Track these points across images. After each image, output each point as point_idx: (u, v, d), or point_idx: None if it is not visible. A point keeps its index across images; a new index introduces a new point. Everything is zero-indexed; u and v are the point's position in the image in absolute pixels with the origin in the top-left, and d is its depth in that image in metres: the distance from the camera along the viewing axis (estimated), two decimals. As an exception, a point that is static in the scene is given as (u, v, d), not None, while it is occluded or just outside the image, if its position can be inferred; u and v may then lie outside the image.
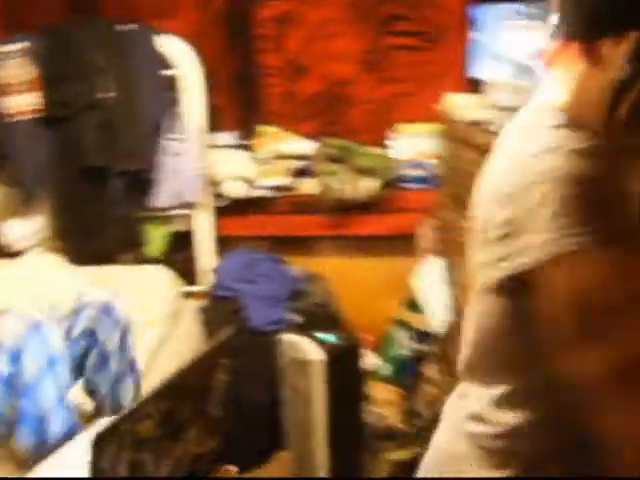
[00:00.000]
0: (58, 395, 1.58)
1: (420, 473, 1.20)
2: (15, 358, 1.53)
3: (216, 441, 1.44)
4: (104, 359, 1.78)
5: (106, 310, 1.76)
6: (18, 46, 2.93)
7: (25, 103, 2.94)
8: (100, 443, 1.15)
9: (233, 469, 1.60)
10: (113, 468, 1.18)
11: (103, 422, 1.49)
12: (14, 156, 2.97)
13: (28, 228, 3.02)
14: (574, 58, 0.93)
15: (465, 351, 1.10)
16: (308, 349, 2.51)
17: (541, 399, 0.99)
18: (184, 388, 1.35)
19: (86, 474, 1.13)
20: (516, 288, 0.93)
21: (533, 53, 1.89)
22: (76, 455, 1.42)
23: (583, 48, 0.91)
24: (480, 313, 1.05)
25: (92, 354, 1.74)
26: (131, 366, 1.86)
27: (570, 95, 0.95)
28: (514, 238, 0.91)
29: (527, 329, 0.95)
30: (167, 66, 2.97)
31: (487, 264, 0.98)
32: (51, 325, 1.62)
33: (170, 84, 2.98)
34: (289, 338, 2.59)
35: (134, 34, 2.94)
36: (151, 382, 2.37)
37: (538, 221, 0.87)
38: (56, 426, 1.55)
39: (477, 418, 1.04)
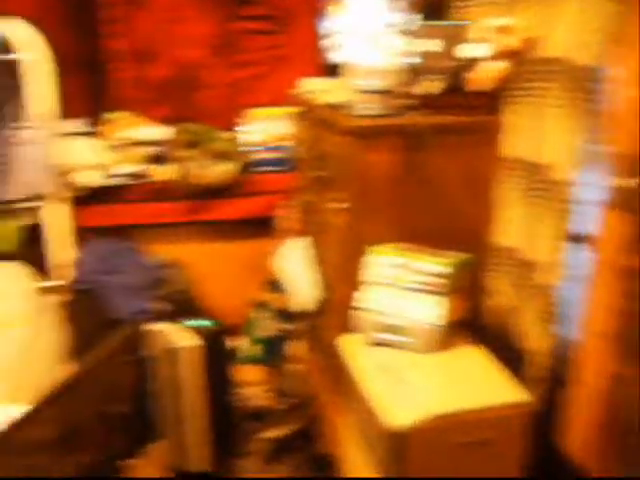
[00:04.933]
0: None
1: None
2: None
3: (124, 438, 1.43)
4: None
5: None
6: None
7: None
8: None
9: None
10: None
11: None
12: None
13: None
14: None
15: None
16: (176, 336, 2.51)
17: None
18: (83, 389, 1.32)
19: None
20: None
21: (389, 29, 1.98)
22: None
23: None
24: None
25: None
26: None
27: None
28: None
29: None
30: (8, 50, 2.82)
31: None
32: None
33: (12, 69, 2.83)
34: (155, 327, 2.57)
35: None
36: (22, 382, 2.30)
37: None
38: None
39: None
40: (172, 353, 2.50)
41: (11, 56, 2.81)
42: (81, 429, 1.37)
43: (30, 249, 2.97)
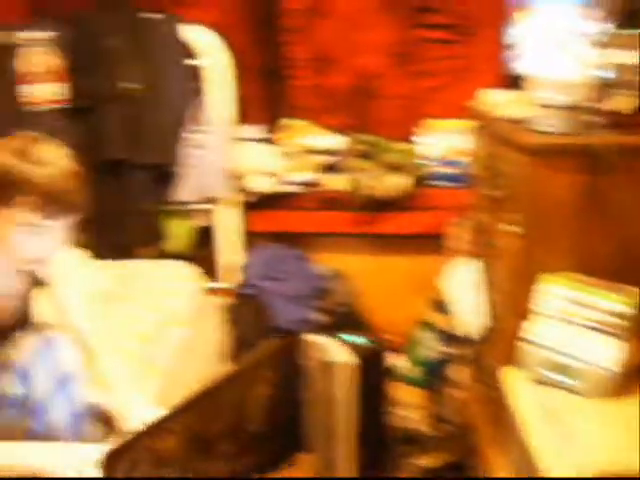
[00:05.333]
0: (70, 418, 1.51)
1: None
2: (24, 377, 1.47)
3: (253, 457, 1.38)
4: None
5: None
6: (44, 34, 2.87)
7: (49, 92, 2.88)
8: (112, 459, 1.09)
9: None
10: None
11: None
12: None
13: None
14: None
15: None
16: (334, 351, 2.45)
17: None
18: (217, 403, 1.28)
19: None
20: None
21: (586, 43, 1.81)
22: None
23: None
24: None
25: None
26: None
27: None
28: None
29: None
30: (192, 56, 2.90)
31: None
32: (64, 341, 1.54)
33: (195, 74, 2.91)
34: (314, 338, 2.52)
35: (158, 23, 2.86)
36: (176, 383, 2.34)
37: None
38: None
39: None
40: (327, 367, 2.44)
41: (194, 61, 2.89)
42: (224, 436, 1.33)
43: (200, 250, 3.04)
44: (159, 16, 2.87)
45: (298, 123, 3.11)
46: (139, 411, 1.60)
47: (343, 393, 2.42)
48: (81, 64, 2.84)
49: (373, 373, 2.53)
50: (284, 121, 3.11)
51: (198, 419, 1.23)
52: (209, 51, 2.90)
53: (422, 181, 3.00)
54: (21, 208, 1.41)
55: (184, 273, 2.85)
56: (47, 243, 1.48)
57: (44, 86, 2.87)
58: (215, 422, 1.28)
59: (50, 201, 1.42)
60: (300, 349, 2.53)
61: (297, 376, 2.52)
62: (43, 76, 2.86)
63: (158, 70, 2.87)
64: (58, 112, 2.88)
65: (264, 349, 1.42)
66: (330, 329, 2.67)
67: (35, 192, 1.40)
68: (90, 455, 1.36)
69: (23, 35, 2.85)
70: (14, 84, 2.86)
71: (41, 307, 1.74)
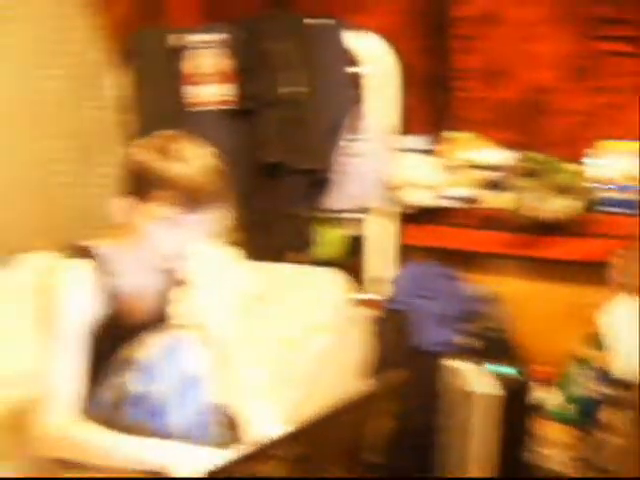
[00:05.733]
0: (189, 422, 1.50)
1: None
2: (147, 377, 1.48)
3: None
4: None
5: None
6: (215, 36, 2.95)
7: (214, 93, 2.95)
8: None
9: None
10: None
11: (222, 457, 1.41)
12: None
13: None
14: None
15: None
16: (476, 380, 2.32)
17: None
18: (331, 431, 1.21)
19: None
20: None
21: None
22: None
23: None
24: None
25: None
26: None
27: None
28: None
29: None
30: (355, 62, 2.87)
31: None
32: (192, 345, 1.54)
33: (356, 82, 2.87)
34: (456, 363, 2.41)
35: (323, 28, 2.86)
36: (314, 393, 2.31)
37: None
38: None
39: None
40: (468, 397, 2.32)
41: (356, 68, 2.85)
42: (334, 464, 1.26)
43: (350, 259, 3.00)
44: (325, 22, 2.86)
45: (462, 136, 2.99)
46: (264, 424, 1.58)
47: (482, 425, 2.29)
48: (247, 67, 2.90)
49: (517, 407, 2.38)
50: (448, 133, 3.00)
51: (309, 446, 1.17)
52: (374, 58, 2.86)
53: (591, 206, 2.78)
54: (159, 203, 1.42)
55: (332, 281, 2.82)
56: (185, 239, 1.49)
57: (211, 87, 2.95)
58: (327, 450, 1.21)
59: (188, 197, 1.42)
60: (439, 374, 2.43)
61: (433, 401, 2.43)
62: (210, 77, 2.94)
63: (320, 76, 2.87)
64: (221, 113, 2.95)
65: (390, 380, 1.34)
66: (476, 355, 2.54)
67: (173, 188, 1.41)
68: (205, 460, 1.35)
69: (193, 37, 2.95)
70: (179, 85, 2.96)
71: (178, 305, 1.76)
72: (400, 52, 2.87)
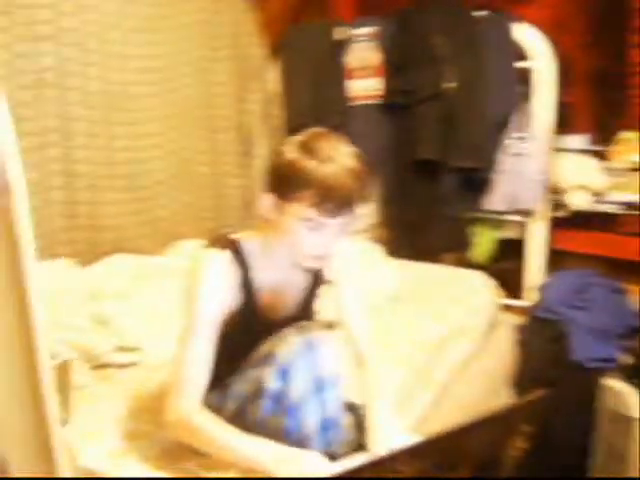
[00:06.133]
0: (320, 423, 1.46)
1: None
2: (284, 374, 1.45)
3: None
4: None
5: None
6: (367, 30, 2.89)
7: (368, 87, 2.90)
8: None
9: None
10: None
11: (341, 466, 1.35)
12: (353, 138, 2.93)
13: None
14: None
15: None
16: (633, 403, 2.13)
17: None
18: (460, 449, 1.12)
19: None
20: None
21: None
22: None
23: None
24: None
25: None
26: None
27: None
28: None
29: None
30: (522, 57, 2.71)
31: None
32: (329, 345, 1.49)
33: (523, 78, 2.71)
34: (613, 384, 2.22)
35: (487, 21, 2.72)
36: (451, 399, 2.21)
37: None
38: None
39: None
40: (624, 420, 2.13)
41: (523, 64, 2.70)
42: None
43: (497, 263, 2.86)
44: (490, 14, 2.72)
45: (633, 136, 2.76)
46: (392, 433, 1.51)
47: (636, 453, 2.10)
48: (401, 61, 2.81)
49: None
50: (619, 134, 2.77)
51: (434, 461, 1.09)
52: (537, 53, 2.69)
53: None
54: (303, 203, 1.40)
55: (479, 285, 2.70)
56: (328, 241, 1.46)
57: (368, 81, 2.91)
58: (453, 467, 1.13)
59: (330, 198, 1.39)
60: (597, 393, 2.25)
61: (586, 421, 2.26)
62: (363, 71, 2.89)
63: (483, 71, 2.73)
64: (377, 108, 2.89)
65: (531, 399, 1.23)
66: (636, 375, 2.33)
67: (315, 188, 1.38)
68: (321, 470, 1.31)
69: (356, 31, 2.91)
70: (342, 79, 2.93)
71: (318, 303, 1.73)
72: (560, 46, 2.68)
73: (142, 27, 2.67)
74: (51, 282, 2.29)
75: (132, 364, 2.13)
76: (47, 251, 2.46)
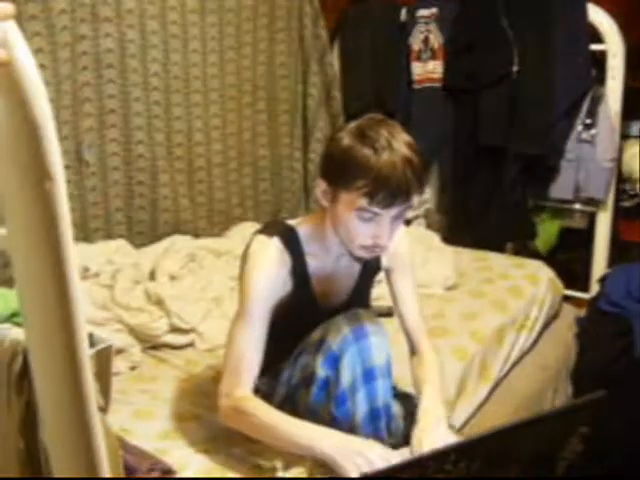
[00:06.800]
0: (369, 413, 1.43)
1: None
2: (334, 362, 1.42)
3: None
4: None
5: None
6: (428, 11, 2.83)
7: (429, 70, 2.84)
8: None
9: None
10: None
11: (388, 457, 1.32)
12: (414, 122, 2.88)
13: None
14: None
15: None
16: None
17: None
18: (512, 449, 1.07)
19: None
20: None
21: None
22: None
23: None
24: None
25: None
26: None
27: None
28: None
29: None
30: (595, 41, 2.60)
31: None
32: (379, 335, 1.46)
33: (597, 63, 2.61)
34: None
35: (562, 3, 2.61)
36: (507, 392, 2.15)
37: None
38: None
39: None
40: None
41: (597, 48, 2.60)
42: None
43: (560, 253, 2.78)
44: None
45: None
46: (435, 433, 1.47)
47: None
48: (464, 43, 2.73)
49: None
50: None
51: (479, 461, 1.05)
52: (607, 37, 2.58)
53: None
54: (357, 193, 1.37)
55: (540, 275, 2.61)
56: (381, 231, 1.42)
57: (425, 64, 2.84)
58: (499, 470, 1.08)
59: (385, 188, 1.35)
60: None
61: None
62: (424, 54, 2.83)
63: (552, 54, 2.62)
64: (434, 91, 2.83)
65: (590, 400, 1.17)
66: None
67: (370, 177, 1.34)
68: (370, 459, 1.29)
69: (421, 12, 2.84)
70: (407, 62, 2.87)
71: (372, 293, 1.71)
72: (632, 34, 2.57)
73: (202, 8, 2.66)
74: (108, 262, 2.32)
75: (186, 345, 2.14)
76: (104, 231, 2.49)
